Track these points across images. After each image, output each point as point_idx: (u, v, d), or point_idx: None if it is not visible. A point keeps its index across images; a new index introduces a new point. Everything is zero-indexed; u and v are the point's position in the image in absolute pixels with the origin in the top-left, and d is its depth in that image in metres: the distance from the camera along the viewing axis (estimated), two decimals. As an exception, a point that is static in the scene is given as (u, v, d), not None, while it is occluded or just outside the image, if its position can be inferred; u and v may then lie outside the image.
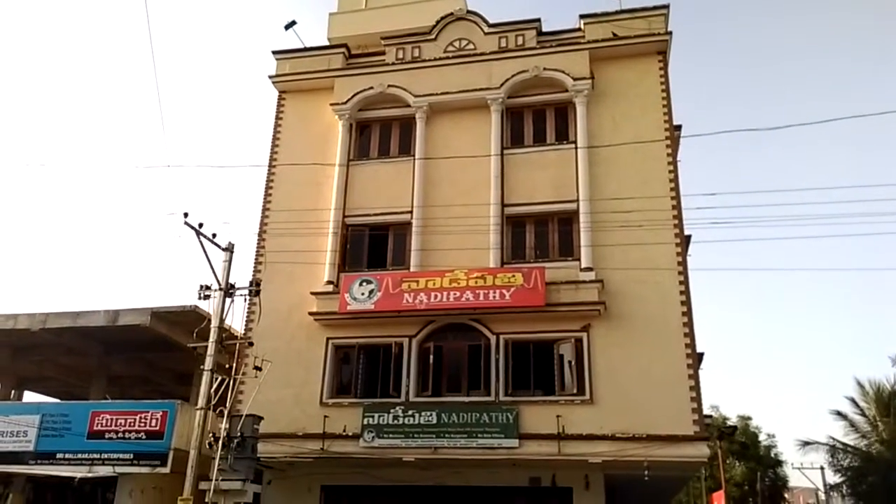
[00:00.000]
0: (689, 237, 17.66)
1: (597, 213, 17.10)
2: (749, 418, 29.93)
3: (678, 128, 18.57)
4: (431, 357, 17.13)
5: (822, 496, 29.88)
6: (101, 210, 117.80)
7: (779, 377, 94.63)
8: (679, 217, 16.88)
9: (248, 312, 17.31)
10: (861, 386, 26.92)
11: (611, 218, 16.70)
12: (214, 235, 15.37)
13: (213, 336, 14.84)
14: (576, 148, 18.12)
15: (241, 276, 16.38)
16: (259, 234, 19.06)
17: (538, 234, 18.09)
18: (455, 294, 16.69)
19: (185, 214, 14.76)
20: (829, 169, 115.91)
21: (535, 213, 18.09)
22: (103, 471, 16.74)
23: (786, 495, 31.46)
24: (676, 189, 17.21)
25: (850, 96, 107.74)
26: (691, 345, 15.77)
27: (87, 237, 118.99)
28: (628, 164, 17.64)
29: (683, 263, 16.53)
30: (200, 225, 15.01)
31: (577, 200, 17.49)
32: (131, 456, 16.74)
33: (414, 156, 19.12)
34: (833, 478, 26.69)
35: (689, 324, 15.96)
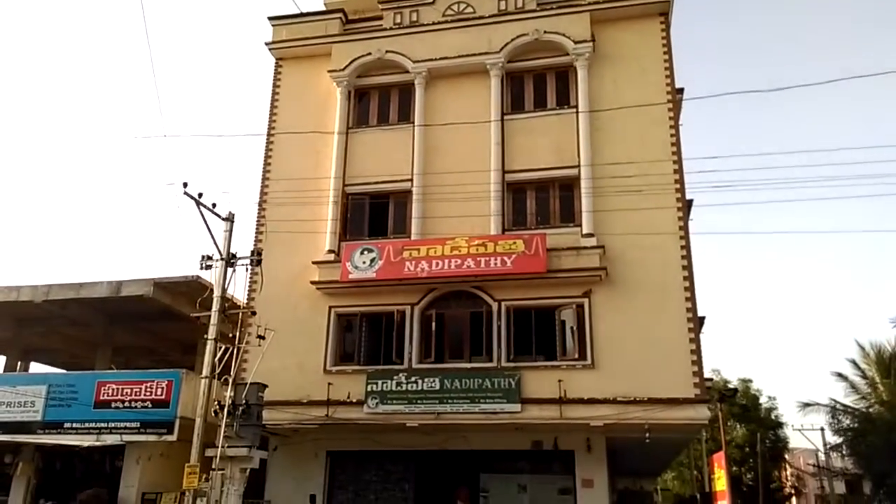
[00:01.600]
0: (690, 201, 17.60)
1: (598, 179, 17.01)
2: (750, 381, 30.22)
3: (680, 91, 18.36)
4: (433, 324, 17.22)
5: (822, 457, 30.31)
6: (101, 182, 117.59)
7: (780, 341, 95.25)
8: (681, 181, 16.79)
9: (250, 282, 17.39)
10: (862, 348, 27.11)
11: (612, 183, 16.62)
12: (214, 205, 15.36)
13: (215, 306, 14.93)
14: (577, 112, 17.96)
15: (243, 245, 16.43)
16: (259, 204, 19.02)
17: (539, 200, 18.02)
18: (456, 261, 16.70)
19: (185, 184, 14.74)
20: (835, 130, 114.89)
21: (535, 180, 18.00)
22: (111, 439, 16.99)
23: (786, 456, 31.87)
24: (678, 153, 17.09)
25: (859, 55, 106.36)
26: (692, 309, 15.82)
27: (88, 209, 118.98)
28: (630, 129, 17.48)
29: (685, 228, 16.49)
30: (200, 195, 15.00)
31: (579, 166, 17.39)
32: (138, 424, 16.98)
33: (413, 123, 18.96)
34: (833, 438, 27.04)
35: (691, 288, 15.98)
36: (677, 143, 17.21)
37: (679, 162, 16.98)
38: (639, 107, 17.26)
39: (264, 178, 19.34)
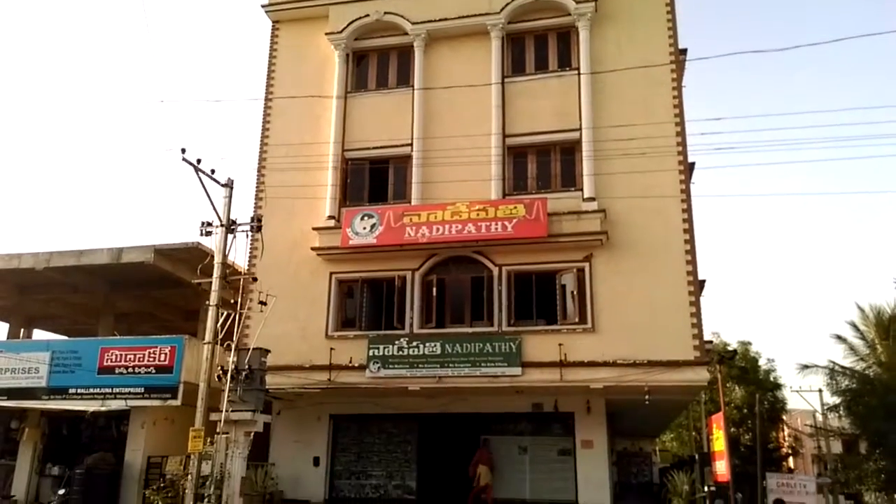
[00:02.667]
0: (692, 164, 17.46)
1: (600, 142, 16.86)
2: (749, 344, 30.39)
3: (683, 52, 18.07)
4: (434, 289, 17.25)
5: (820, 417, 30.65)
6: (100, 149, 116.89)
7: (781, 304, 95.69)
8: (683, 144, 16.65)
9: (250, 248, 17.35)
10: (861, 310, 27.19)
11: (614, 146, 16.48)
12: (213, 171, 15.20)
13: (216, 272, 14.91)
14: (578, 74, 17.71)
15: (243, 212, 16.34)
16: (258, 170, 18.89)
17: (540, 164, 17.89)
18: (457, 226, 16.66)
19: (183, 150, 14.56)
20: (841, 91, 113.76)
21: (536, 143, 17.84)
22: (115, 404, 17.16)
23: (784, 417, 32.24)
24: (681, 115, 16.91)
25: (867, 13, 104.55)
26: (693, 272, 15.83)
27: (87, 176, 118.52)
28: (632, 91, 17.26)
29: (687, 191, 16.41)
30: (199, 161, 14.84)
31: (580, 129, 17.21)
32: (142, 390, 17.14)
33: (413, 86, 18.72)
34: (831, 399, 27.31)
35: (692, 251, 15.97)
36: (680, 106, 17.02)
37: (681, 124, 16.80)
38: (641, 68, 17.02)
39: (263, 144, 19.18)
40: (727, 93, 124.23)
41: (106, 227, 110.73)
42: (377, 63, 19.71)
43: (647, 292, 15.83)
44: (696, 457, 15.33)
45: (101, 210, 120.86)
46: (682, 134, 16.72)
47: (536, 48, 18.68)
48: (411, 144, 18.19)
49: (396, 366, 16.40)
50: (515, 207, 16.52)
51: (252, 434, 14.55)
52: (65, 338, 24.03)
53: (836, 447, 31.99)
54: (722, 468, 12.87)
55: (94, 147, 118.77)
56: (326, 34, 19.38)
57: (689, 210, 16.28)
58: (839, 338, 26.95)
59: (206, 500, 13.74)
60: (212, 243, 15.40)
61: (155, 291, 21.68)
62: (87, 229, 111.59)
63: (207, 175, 15.06)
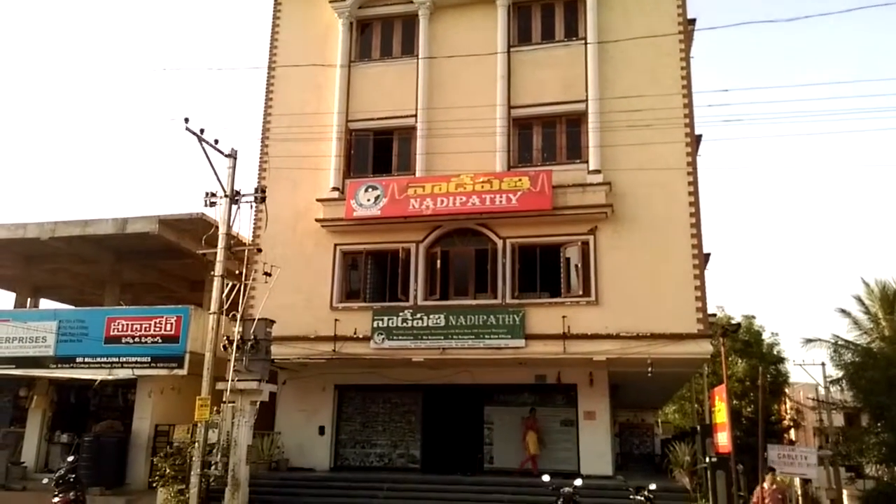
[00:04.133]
0: (699, 136, 17.29)
1: (606, 113, 16.69)
2: (753, 317, 30.35)
3: (692, 22, 17.77)
4: (439, 262, 17.25)
5: (822, 390, 30.77)
6: (104, 119, 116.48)
7: (787, 278, 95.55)
8: (690, 115, 16.47)
9: (254, 219, 17.39)
10: (867, 285, 27.16)
11: (620, 118, 16.32)
12: (217, 141, 15.16)
13: (221, 243, 14.94)
14: (585, 44, 17.46)
15: (246, 183, 16.31)
16: (262, 140, 18.80)
17: (545, 136, 17.74)
18: (461, 199, 16.60)
19: (186, 120, 14.50)
20: (852, 61, 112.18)
21: (542, 115, 17.67)
22: (122, 373, 17.34)
23: (786, 390, 32.37)
24: (688, 86, 16.70)
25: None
26: (698, 245, 15.78)
27: (91, 146, 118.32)
28: (639, 61, 17.04)
29: (693, 163, 16.28)
30: (202, 131, 14.78)
31: (587, 100, 17.02)
32: (149, 359, 17.29)
33: (417, 56, 18.51)
34: (834, 373, 27.39)
35: (697, 224, 15.90)
36: (688, 77, 16.80)
37: (689, 96, 16.61)
38: (649, 38, 16.76)
39: (266, 114, 19.05)
40: (735, 63, 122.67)
41: (111, 197, 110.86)
42: (381, 32, 19.47)
43: (651, 265, 15.80)
44: (698, 428, 15.40)
45: (106, 181, 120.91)
46: (689, 106, 16.53)
47: (543, 17, 18.40)
48: (415, 115, 18.05)
49: (401, 337, 16.48)
50: (520, 180, 16.43)
51: (258, 403, 14.72)
52: (71, 307, 24.20)
53: (838, 420, 32.18)
54: (723, 440, 12.95)
55: (97, 117, 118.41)
56: (330, 2, 19.11)
57: (695, 183, 16.17)
58: (843, 312, 27.00)
59: (213, 467, 13.97)
60: (216, 214, 15.43)
61: (160, 262, 21.77)
62: (93, 200, 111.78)
63: (211, 145, 15.01)
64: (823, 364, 29.64)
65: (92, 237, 19.33)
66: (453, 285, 17.36)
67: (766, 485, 11.83)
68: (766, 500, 11.63)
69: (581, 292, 16.23)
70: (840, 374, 25.98)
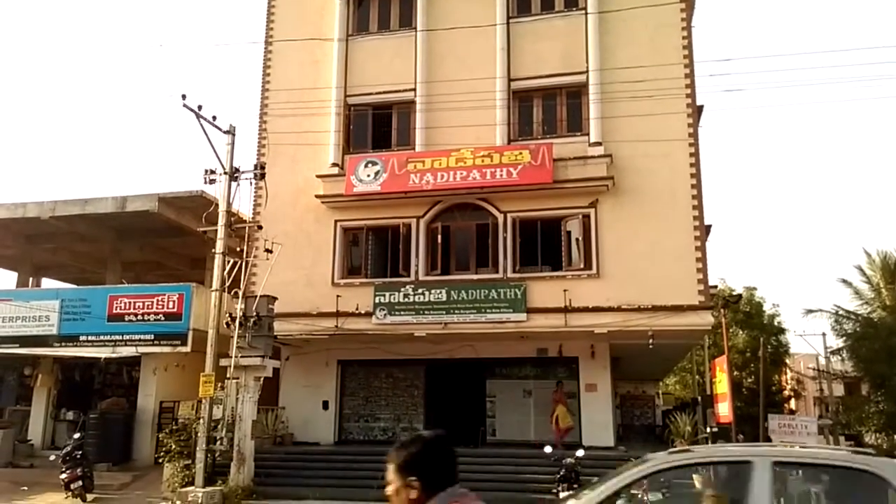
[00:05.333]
0: (701, 107, 17.15)
1: (607, 84, 16.54)
2: (755, 289, 30.43)
3: (693, -11, 17.53)
4: (440, 237, 17.23)
5: (822, 360, 30.95)
6: (102, 97, 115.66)
7: (788, 250, 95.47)
8: (692, 86, 16.33)
9: (254, 196, 17.36)
10: (868, 255, 27.15)
11: (621, 89, 16.17)
12: (215, 118, 15.08)
13: (221, 220, 14.93)
14: (585, 14, 17.24)
15: (246, 160, 16.23)
16: (260, 116, 18.67)
17: (546, 108, 17.61)
18: (462, 173, 16.52)
19: (183, 96, 14.40)
20: (857, 29, 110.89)
21: (542, 87, 17.52)
22: (126, 351, 17.43)
23: (786, 361, 32.56)
24: (690, 56, 16.53)
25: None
26: (699, 217, 15.75)
27: (89, 124, 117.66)
28: (640, 31, 16.85)
29: (695, 134, 16.17)
30: (200, 107, 14.68)
31: (587, 71, 16.87)
32: (152, 337, 17.37)
33: (416, 28, 18.29)
34: (834, 343, 27.53)
35: (699, 196, 15.85)
36: (689, 47, 16.62)
37: (690, 66, 16.44)
38: (650, 7, 16.54)
39: (264, 89, 18.90)
40: (736, 32, 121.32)
41: (110, 176, 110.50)
42: (378, 4, 19.22)
43: (652, 237, 15.78)
44: (699, 399, 15.53)
45: (106, 160, 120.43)
46: (690, 76, 16.38)
47: (542, -13, 18.14)
48: (414, 89, 17.89)
49: (402, 312, 16.53)
50: (521, 153, 16.34)
51: (262, 379, 14.83)
52: (73, 286, 24.25)
53: (838, 390, 32.41)
54: (724, 410, 13.06)
55: (95, 95, 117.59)
56: (326, -26, 18.84)
57: (696, 154, 16.08)
58: (845, 282, 27.03)
59: (218, 442, 14.11)
60: (216, 191, 15.41)
61: (161, 240, 21.77)
62: (92, 179, 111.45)
63: (209, 121, 14.92)
64: (824, 334, 29.79)
65: (92, 216, 19.31)
66: (454, 260, 17.36)
67: None
68: None
69: (582, 265, 16.23)
70: (841, 343, 26.09)
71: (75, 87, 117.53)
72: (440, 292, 16.49)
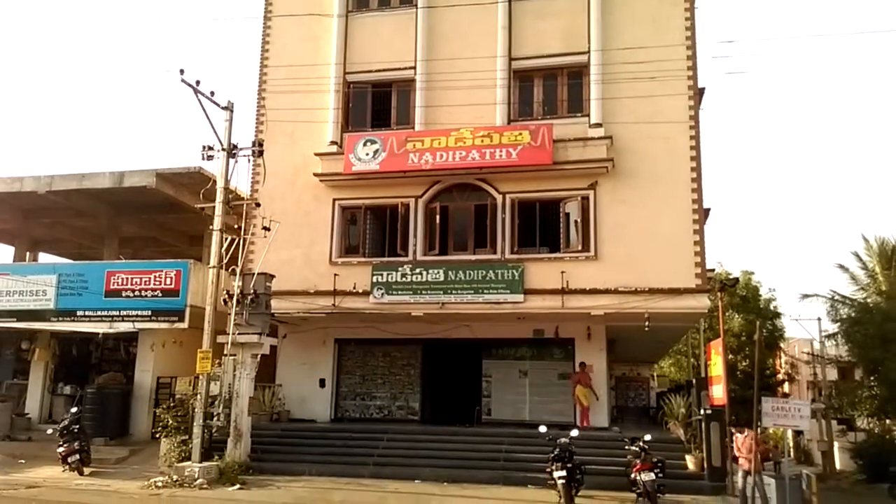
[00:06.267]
0: (702, 90, 17.04)
1: (608, 65, 16.41)
2: (752, 273, 30.47)
3: (697, -31, 17.29)
4: (438, 217, 17.21)
5: (817, 345, 31.09)
6: (99, 73, 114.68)
7: (786, 235, 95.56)
8: (694, 68, 16.21)
9: (252, 173, 17.30)
10: (866, 240, 27.21)
11: (622, 69, 16.05)
12: (213, 94, 14.97)
13: (219, 197, 14.89)
14: (588, -7, 17.03)
15: (244, 137, 16.16)
16: (258, 92, 18.53)
17: (546, 88, 17.49)
18: (461, 153, 16.44)
19: (181, 71, 14.29)
20: (859, 11, 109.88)
21: (543, 67, 17.38)
22: (123, 326, 17.47)
23: (781, 345, 32.72)
24: (692, 37, 16.38)
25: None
26: (698, 200, 15.72)
27: (85, 101, 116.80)
28: (643, 11, 16.69)
29: (696, 117, 16.08)
30: (198, 82, 14.58)
31: (588, 52, 16.73)
32: (149, 313, 17.40)
33: (416, 5, 18.09)
34: (830, 328, 27.63)
35: (698, 179, 15.80)
36: (692, 28, 16.46)
37: (693, 47, 16.31)
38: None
39: (262, 65, 18.73)
40: (739, 12, 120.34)
41: (108, 152, 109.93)
42: (379, -20, 18.98)
43: (651, 220, 15.76)
44: (693, 381, 15.59)
45: (103, 135, 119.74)
46: (693, 58, 16.25)
47: (545, -36, 17.91)
48: (414, 67, 17.75)
49: (400, 292, 16.55)
50: (520, 134, 16.26)
51: (259, 356, 14.88)
52: (70, 261, 24.23)
53: (831, 374, 32.61)
54: (718, 392, 13.11)
55: (92, 71, 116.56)
56: (327, -51, 18.58)
57: (697, 137, 16.00)
58: (842, 267, 27.11)
59: (215, 418, 14.19)
60: (214, 168, 15.35)
61: (158, 216, 21.72)
62: (90, 155, 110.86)
63: (207, 97, 14.82)
64: (819, 319, 29.89)
65: (89, 191, 19.24)
66: (452, 240, 17.35)
67: (739, 435, 12.16)
68: (744, 446, 11.97)
69: (580, 247, 16.23)
70: (836, 328, 26.22)
71: (73, 62, 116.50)
72: (438, 272, 16.50)
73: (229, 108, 15.26)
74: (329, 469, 14.04)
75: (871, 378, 24.58)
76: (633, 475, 11.73)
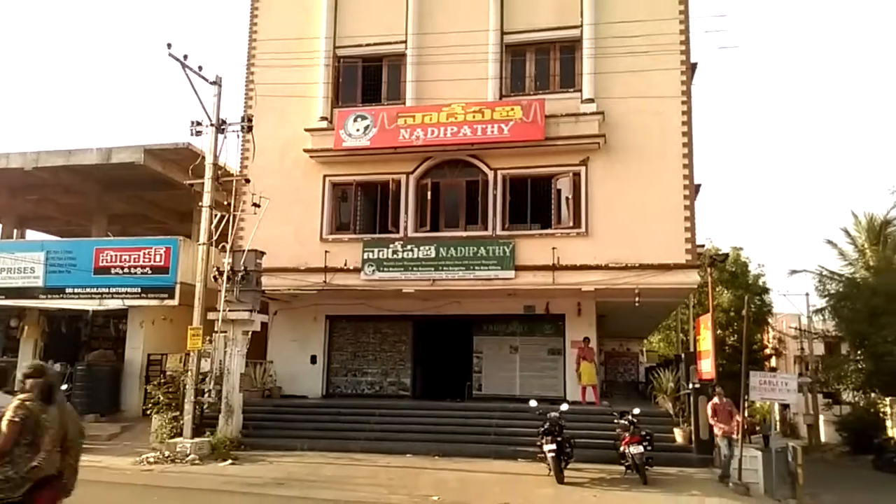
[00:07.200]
0: (694, 65, 16.96)
1: (601, 39, 16.30)
2: (741, 249, 30.67)
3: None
4: (429, 193, 17.14)
5: (805, 320, 31.44)
6: (86, 47, 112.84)
7: (776, 211, 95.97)
8: (686, 42, 16.12)
9: (242, 149, 17.14)
10: (855, 216, 27.48)
11: (616, 44, 15.95)
12: (200, 68, 14.75)
13: (208, 173, 14.76)
14: (580, -35, 16.85)
15: (233, 113, 15.97)
16: (247, 67, 18.30)
17: (538, 63, 17.37)
18: (452, 129, 16.35)
19: (169, 45, 14.06)
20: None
21: (535, 41, 17.24)
22: (113, 304, 17.40)
23: (769, 320, 33.07)
24: (685, 10, 16.27)
25: None
26: (689, 176, 15.74)
27: (73, 76, 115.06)
28: (636, -16, 16.52)
29: (688, 92, 16.03)
30: (185, 57, 14.36)
31: (581, 26, 16.60)
32: (139, 290, 17.31)
33: (407, -23, 17.82)
34: (817, 303, 27.95)
35: (689, 155, 15.80)
36: (685, 1, 16.34)
37: (686, 21, 16.20)
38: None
39: (251, 39, 18.49)
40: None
41: (96, 128, 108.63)
42: (369, -48, 18.68)
43: (642, 196, 15.77)
44: (682, 356, 15.74)
45: (91, 112, 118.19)
46: (686, 32, 16.16)
47: (537, -63, 17.67)
48: (405, 41, 17.56)
49: (391, 269, 16.54)
50: (512, 109, 16.16)
51: (250, 333, 14.88)
52: (58, 238, 24.04)
53: (818, 349, 33.04)
54: (707, 367, 13.24)
55: (79, 45, 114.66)
56: (315, -80, 18.24)
57: (688, 112, 15.97)
58: (830, 243, 27.36)
59: (206, 395, 14.22)
60: (202, 144, 15.18)
61: (147, 193, 21.53)
62: (78, 131, 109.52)
63: (195, 72, 14.61)
64: (807, 294, 30.20)
65: (77, 167, 19.03)
66: (444, 217, 17.32)
67: (716, 399, 12.35)
68: (718, 413, 12.18)
69: (571, 224, 16.24)
70: (823, 304, 26.51)
71: (59, 37, 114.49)
72: (429, 249, 16.48)
73: (218, 82, 15.06)
74: (320, 444, 14.12)
75: (858, 352, 24.94)
76: (621, 448, 11.88)
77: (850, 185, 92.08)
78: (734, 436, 12.00)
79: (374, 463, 12.93)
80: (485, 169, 16.85)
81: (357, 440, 14.36)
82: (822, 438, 29.80)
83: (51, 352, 19.04)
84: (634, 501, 10.35)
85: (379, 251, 16.67)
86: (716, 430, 12.32)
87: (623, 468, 11.91)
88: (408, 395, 18.25)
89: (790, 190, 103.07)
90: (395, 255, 16.58)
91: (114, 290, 17.42)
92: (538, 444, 11.84)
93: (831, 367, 28.88)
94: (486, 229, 16.68)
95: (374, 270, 16.62)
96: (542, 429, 11.76)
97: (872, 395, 27.40)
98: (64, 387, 15.05)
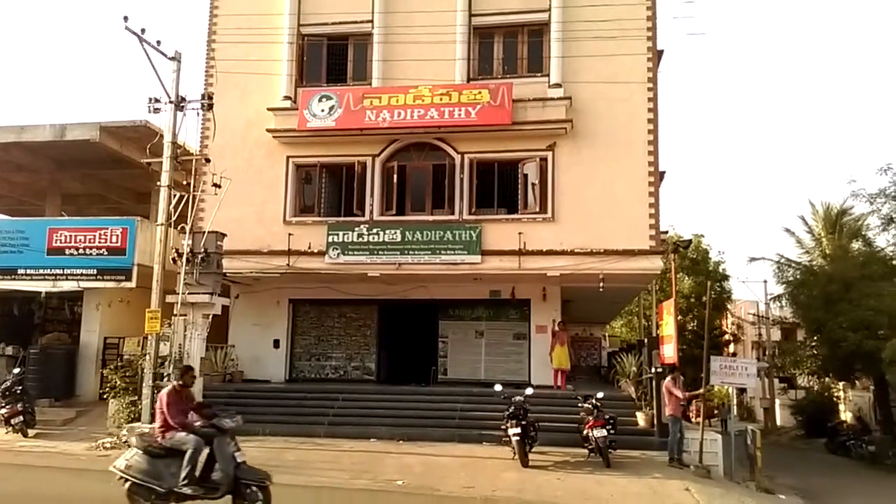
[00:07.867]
0: (661, 52, 17.01)
1: (569, 23, 16.22)
2: (702, 236, 31.14)
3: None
4: (395, 176, 16.93)
5: (763, 307, 32.16)
6: (38, 19, 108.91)
7: (736, 199, 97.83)
8: (653, 28, 16.14)
9: (202, 128, 16.68)
10: (812, 205, 28.11)
11: (583, 28, 15.89)
12: (159, 43, 14.24)
13: (167, 151, 14.32)
14: (549, -51, 16.71)
15: (194, 91, 15.50)
16: (208, 43, 17.77)
17: (507, 46, 17.23)
18: (419, 111, 16.15)
19: (125, 18, 13.53)
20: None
21: (504, 24, 17.10)
22: (67, 286, 16.88)
23: (728, 306, 33.71)
24: (653, -3, 16.27)
25: None
26: (654, 163, 15.82)
27: (25, 48, 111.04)
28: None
29: (654, 79, 16.07)
30: (143, 31, 13.85)
31: (550, 9, 16.48)
32: (95, 271, 16.81)
33: (374, -46, 17.47)
34: (775, 290, 28.55)
35: (655, 142, 15.87)
36: (652, -13, 16.33)
37: (653, 7, 16.21)
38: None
39: (212, 14, 17.96)
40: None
41: (50, 105, 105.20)
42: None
43: (607, 182, 15.82)
44: (645, 341, 15.92)
45: (44, 88, 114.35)
46: (653, 18, 16.17)
47: (506, -82, 17.47)
48: (372, 20, 17.25)
49: (356, 252, 16.34)
50: (480, 92, 16.02)
51: (210, 316, 14.55)
52: (9, 218, 23.21)
53: (775, 335, 33.85)
54: (669, 351, 13.41)
55: (31, 16, 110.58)
56: None
57: (654, 99, 16.02)
58: (788, 231, 27.95)
59: (165, 379, 13.87)
60: (161, 122, 14.75)
61: (103, 172, 20.88)
62: (31, 107, 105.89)
63: (153, 46, 14.11)
64: (766, 281, 30.87)
65: (29, 144, 18.34)
66: (410, 201, 17.14)
67: (668, 379, 12.58)
68: (669, 391, 12.40)
69: (538, 209, 16.22)
70: (781, 290, 27.09)
71: (10, 7, 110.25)
72: (395, 233, 16.32)
73: (177, 58, 14.56)
74: (283, 429, 13.94)
75: (814, 338, 25.55)
76: (585, 432, 11.97)
77: (809, 175, 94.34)
78: (678, 415, 12.25)
79: (338, 448, 12.82)
80: (452, 153, 16.70)
81: (321, 425, 14.22)
82: (778, 422, 30.59)
83: (2, 334, 18.46)
84: (597, 484, 10.43)
85: (344, 234, 16.44)
86: (665, 411, 12.55)
87: (586, 451, 12.01)
88: (372, 380, 18.14)
89: (750, 178, 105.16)
90: (360, 239, 16.37)
91: (68, 271, 16.89)
92: (503, 427, 11.87)
93: (788, 352, 29.62)
94: (452, 214, 16.56)
95: (339, 254, 16.40)
96: (507, 413, 11.79)
97: (826, 379, 28.20)
98: (16, 370, 14.65)
